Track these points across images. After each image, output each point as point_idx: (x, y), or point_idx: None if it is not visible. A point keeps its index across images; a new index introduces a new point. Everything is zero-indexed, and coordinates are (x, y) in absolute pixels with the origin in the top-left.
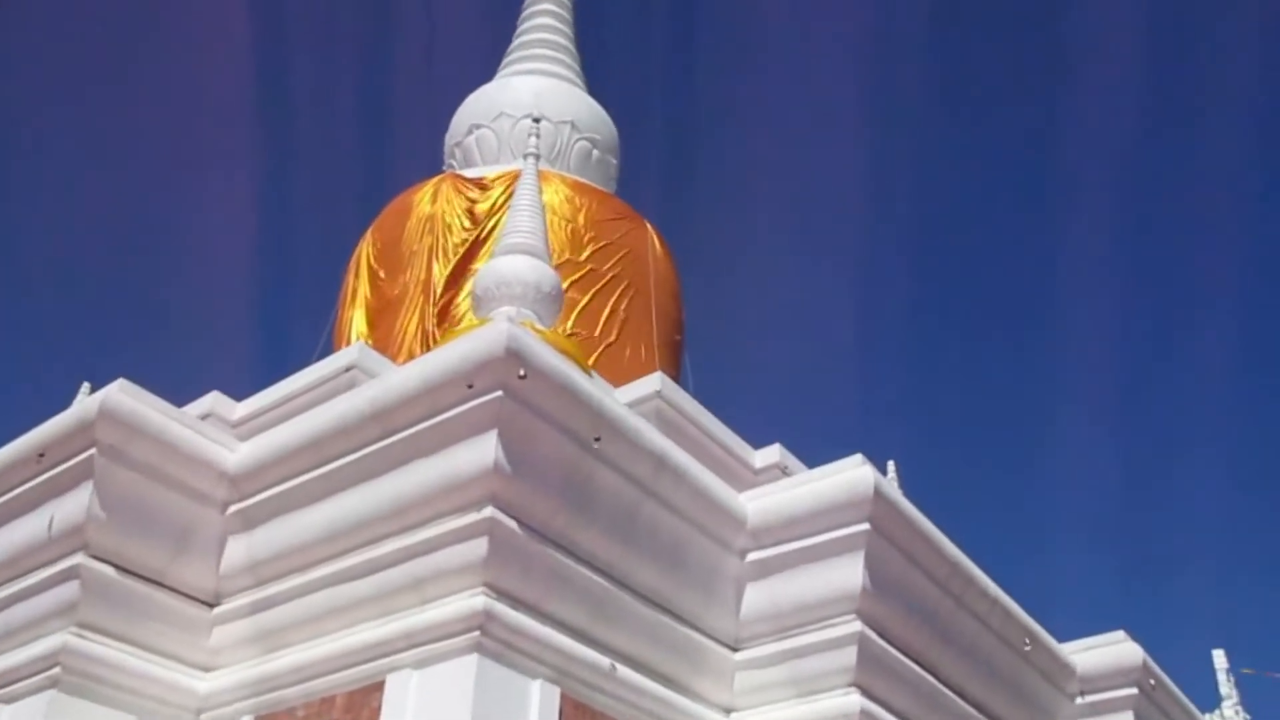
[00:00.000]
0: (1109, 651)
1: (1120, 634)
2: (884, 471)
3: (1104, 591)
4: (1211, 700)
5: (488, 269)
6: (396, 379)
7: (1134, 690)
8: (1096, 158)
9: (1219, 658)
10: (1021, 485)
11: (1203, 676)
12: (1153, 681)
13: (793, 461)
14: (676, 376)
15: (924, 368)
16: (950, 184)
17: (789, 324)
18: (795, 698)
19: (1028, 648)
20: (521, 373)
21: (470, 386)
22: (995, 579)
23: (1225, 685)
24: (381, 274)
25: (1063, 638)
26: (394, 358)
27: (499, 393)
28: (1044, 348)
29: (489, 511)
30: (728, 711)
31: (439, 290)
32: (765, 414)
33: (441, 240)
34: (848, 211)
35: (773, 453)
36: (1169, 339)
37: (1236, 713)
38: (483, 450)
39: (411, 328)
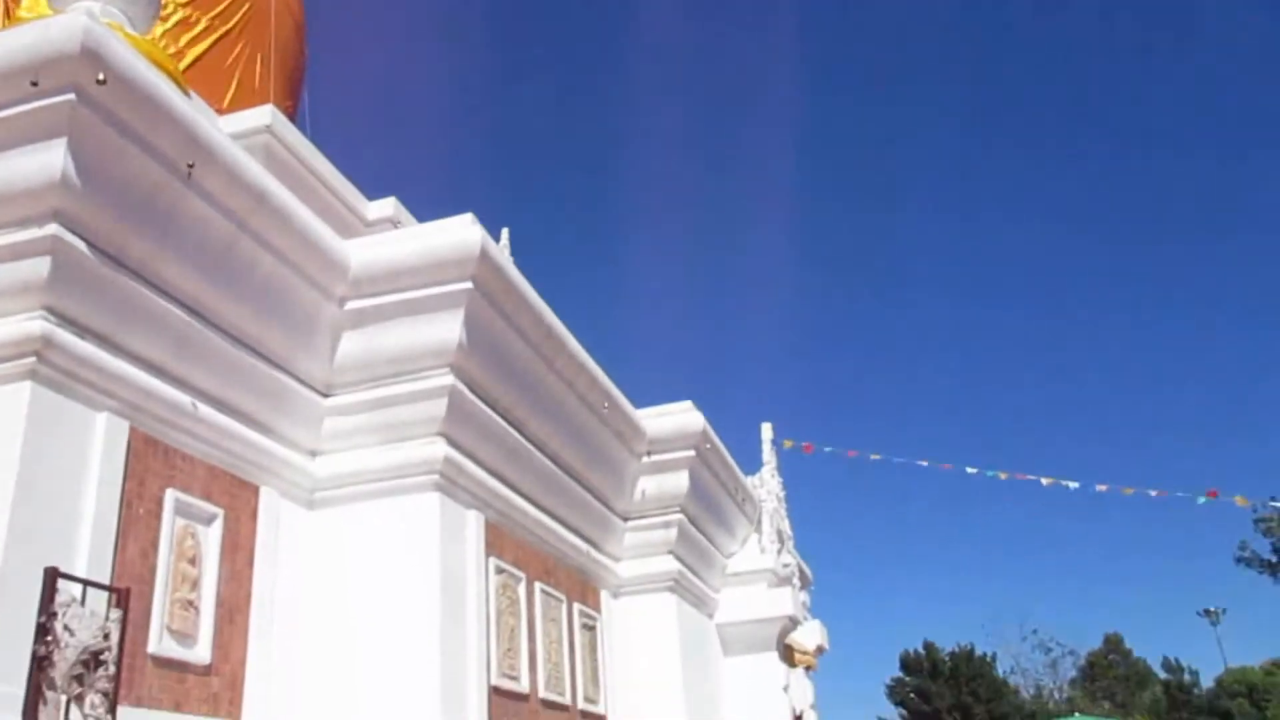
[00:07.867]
0: (675, 419)
1: (687, 404)
2: (497, 238)
3: (680, 366)
4: (757, 465)
5: None
6: None
7: (692, 453)
8: None
9: (766, 430)
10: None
11: (751, 444)
12: (709, 445)
13: (407, 217)
14: (293, 115)
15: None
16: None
17: (430, 85)
18: (382, 443)
19: (606, 410)
20: (101, 77)
21: (35, 84)
22: (587, 347)
23: (768, 453)
24: None
25: (642, 404)
26: None
27: (70, 95)
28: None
29: (52, 228)
30: (314, 454)
31: None
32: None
33: None
34: None
35: (387, 205)
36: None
37: (773, 475)
38: (48, 159)
39: None
